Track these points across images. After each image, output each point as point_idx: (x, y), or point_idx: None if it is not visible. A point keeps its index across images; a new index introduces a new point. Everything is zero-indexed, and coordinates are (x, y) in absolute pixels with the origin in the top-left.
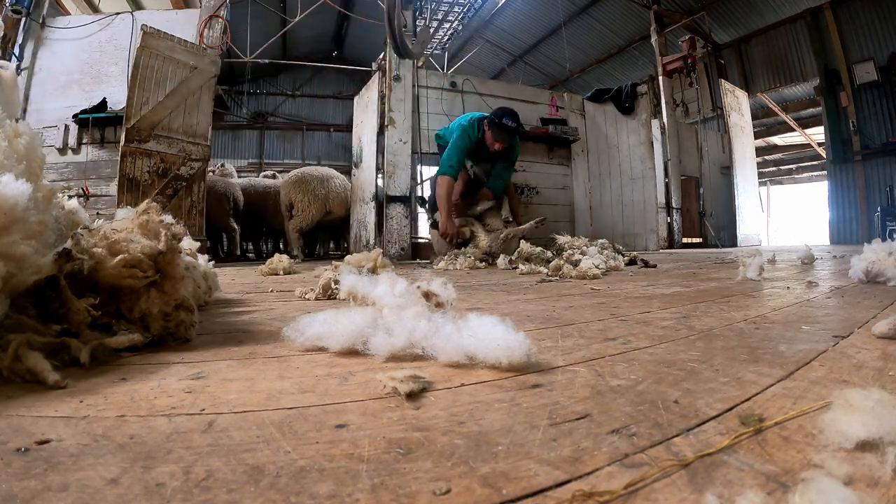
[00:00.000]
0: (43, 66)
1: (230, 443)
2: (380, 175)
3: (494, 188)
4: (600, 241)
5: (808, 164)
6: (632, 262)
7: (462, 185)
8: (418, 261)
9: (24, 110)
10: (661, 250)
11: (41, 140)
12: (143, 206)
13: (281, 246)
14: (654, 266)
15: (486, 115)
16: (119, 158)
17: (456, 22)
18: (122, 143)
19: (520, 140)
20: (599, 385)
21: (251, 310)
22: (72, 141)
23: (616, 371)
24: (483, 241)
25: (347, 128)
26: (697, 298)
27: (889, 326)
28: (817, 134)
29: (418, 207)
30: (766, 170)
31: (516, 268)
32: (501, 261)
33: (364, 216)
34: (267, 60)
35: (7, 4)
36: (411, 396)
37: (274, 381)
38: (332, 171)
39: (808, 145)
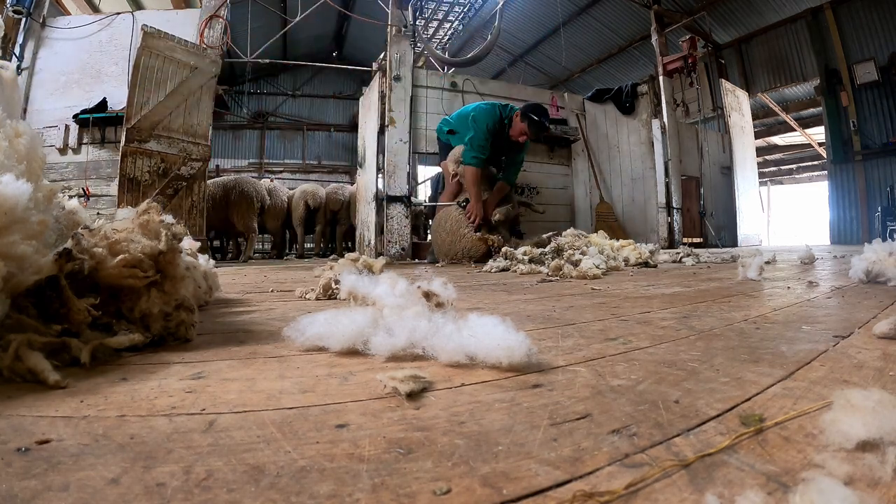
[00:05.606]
0: (43, 66)
1: (231, 443)
2: (380, 175)
3: (509, 179)
4: None
5: (809, 164)
6: None
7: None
8: (417, 260)
9: (25, 110)
10: (661, 250)
11: (41, 140)
12: (143, 206)
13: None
14: (655, 266)
15: (504, 104)
16: (119, 158)
17: (456, 22)
18: (122, 142)
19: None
20: (600, 385)
21: (251, 310)
22: (72, 141)
23: (616, 371)
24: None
25: (348, 128)
26: (698, 298)
27: (889, 326)
28: (818, 134)
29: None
30: (767, 170)
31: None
32: (493, 263)
33: (366, 216)
34: (267, 60)
35: (8, 4)
36: (412, 396)
37: (274, 381)
38: None
39: (809, 145)
